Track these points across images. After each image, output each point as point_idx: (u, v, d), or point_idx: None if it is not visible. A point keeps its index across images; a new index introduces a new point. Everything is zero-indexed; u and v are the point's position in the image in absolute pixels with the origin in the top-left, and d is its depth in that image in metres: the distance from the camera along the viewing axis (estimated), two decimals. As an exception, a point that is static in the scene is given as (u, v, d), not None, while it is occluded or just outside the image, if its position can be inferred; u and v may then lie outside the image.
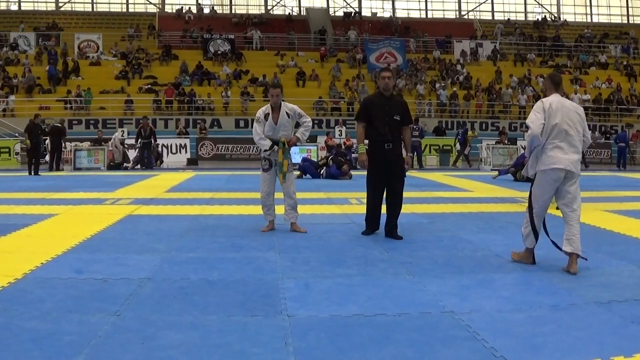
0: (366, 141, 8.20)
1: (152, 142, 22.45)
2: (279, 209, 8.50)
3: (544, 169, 6.39)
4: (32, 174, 18.48)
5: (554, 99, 6.48)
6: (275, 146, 8.29)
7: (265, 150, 8.35)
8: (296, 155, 20.37)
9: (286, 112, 8.34)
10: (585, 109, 32.42)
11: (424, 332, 4.39)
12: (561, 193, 6.45)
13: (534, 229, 6.53)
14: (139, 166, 22.36)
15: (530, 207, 6.60)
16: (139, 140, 22.22)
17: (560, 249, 6.38)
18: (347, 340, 4.23)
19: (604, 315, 4.82)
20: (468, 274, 6.14)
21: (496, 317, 4.76)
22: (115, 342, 4.14)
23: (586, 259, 6.38)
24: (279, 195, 8.44)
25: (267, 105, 8.50)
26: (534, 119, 6.38)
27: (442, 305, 5.04)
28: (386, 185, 8.10)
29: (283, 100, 8.50)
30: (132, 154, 23.42)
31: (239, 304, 5.04)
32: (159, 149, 24.52)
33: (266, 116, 8.36)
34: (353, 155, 21.23)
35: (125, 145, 23.40)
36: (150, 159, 22.48)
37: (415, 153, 23.78)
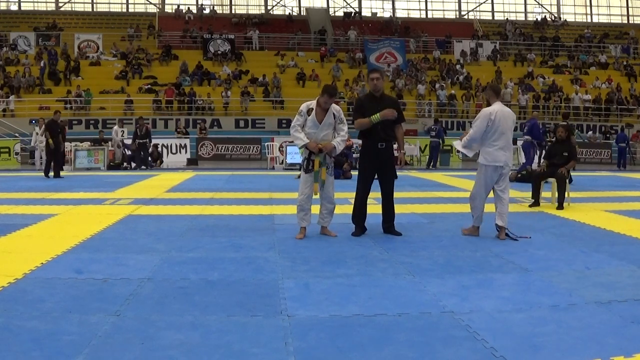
0: (360, 141, 8.27)
1: (148, 142, 22.50)
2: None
3: (487, 165, 8.10)
4: (51, 175, 17.29)
5: (496, 107, 8.10)
6: (313, 155, 7.90)
7: (304, 145, 7.89)
8: (296, 155, 20.37)
9: (333, 113, 7.92)
10: (586, 109, 32.64)
11: (424, 332, 4.40)
12: (498, 181, 8.13)
13: (481, 211, 8.24)
14: (132, 165, 22.32)
15: (474, 191, 8.28)
16: (136, 140, 22.28)
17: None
18: (347, 340, 4.23)
19: (604, 315, 4.82)
20: (468, 274, 6.14)
21: (496, 317, 4.76)
22: (115, 342, 4.14)
23: (516, 239, 8.00)
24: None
25: (313, 100, 8.02)
26: (479, 127, 8.05)
27: (442, 305, 5.04)
28: (378, 178, 8.19)
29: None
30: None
31: (239, 304, 5.04)
32: (159, 149, 24.52)
33: (309, 111, 7.88)
34: (353, 155, 21.21)
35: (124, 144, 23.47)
36: (147, 159, 22.48)
37: (433, 153, 23.69)
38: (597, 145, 29.20)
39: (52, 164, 17.52)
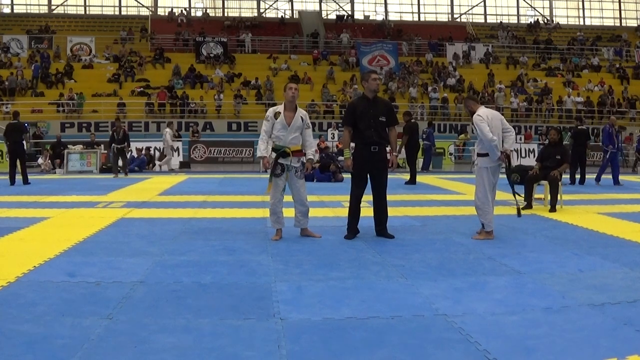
0: (352, 144, 8.21)
1: (126, 146, 20.23)
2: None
3: (488, 166, 8.20)
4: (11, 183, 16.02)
5: (486, 111, 8.36)
6: (280, 158, 8.03)
7: (260, 157, 8.13)
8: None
9: (300, 116, 8.02)
10: (578, 111, 32.75)
11: (417, 335, 4.40)
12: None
13: (492, 214, 8.24)
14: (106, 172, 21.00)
15: (482, 195, 8.21)
16: (112, 145, 20.21)
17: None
18: (340, 343, 4.23)
19: (597, 317, 4.83)
20: (461, 276, 6.14)
21: (489, 319, 4.76)
22: (108, 346, 4.12)
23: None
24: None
25: (279, 105, 8.15)
26: (487, 129, 8.06)
27: (435, 308, 5.04)
28: (371, 180, 8.18)
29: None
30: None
31: (232, 307, 5.03)
32: (151, 152, 24.41)
33: (276, 115, 7.96)
34: (340, 158, 21.21)
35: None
36: (125, 165, 20.42)
37: (425, 156, 23.71)
38: (590, 148, 29.23)
39: (21, 168, 16.29)
